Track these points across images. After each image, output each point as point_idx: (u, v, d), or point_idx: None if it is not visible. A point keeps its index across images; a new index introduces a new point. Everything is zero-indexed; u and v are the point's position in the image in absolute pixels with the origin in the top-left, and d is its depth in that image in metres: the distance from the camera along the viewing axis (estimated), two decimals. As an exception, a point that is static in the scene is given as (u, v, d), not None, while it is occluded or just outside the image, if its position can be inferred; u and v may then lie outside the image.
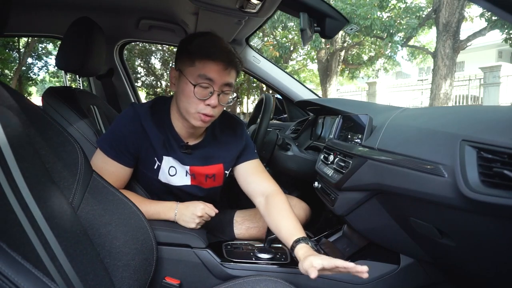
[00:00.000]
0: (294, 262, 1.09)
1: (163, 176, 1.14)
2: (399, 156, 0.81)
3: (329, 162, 1.18)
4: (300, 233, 0.95)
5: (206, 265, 1.05)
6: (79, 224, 0.83)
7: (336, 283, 1.06)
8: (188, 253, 1.05)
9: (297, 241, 0.91)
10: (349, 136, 1.17)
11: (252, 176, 1.17)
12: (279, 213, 1.04)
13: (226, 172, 1.21)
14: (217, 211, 1.14)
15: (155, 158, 1.11)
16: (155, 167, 1.12)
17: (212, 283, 1.03)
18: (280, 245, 1.17)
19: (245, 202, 1.27)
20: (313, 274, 0.75)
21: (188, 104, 1.02)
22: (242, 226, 1.30)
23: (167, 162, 1.13)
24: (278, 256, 1.11)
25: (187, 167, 1.14)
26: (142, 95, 9.91)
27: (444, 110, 0.93)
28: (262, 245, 1.15)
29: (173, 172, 1.14)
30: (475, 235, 0.69)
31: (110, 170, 1.06)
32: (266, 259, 1.09)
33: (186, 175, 1.15)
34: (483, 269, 0.79)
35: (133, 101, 2.32)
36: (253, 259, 1.09)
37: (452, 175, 0.65)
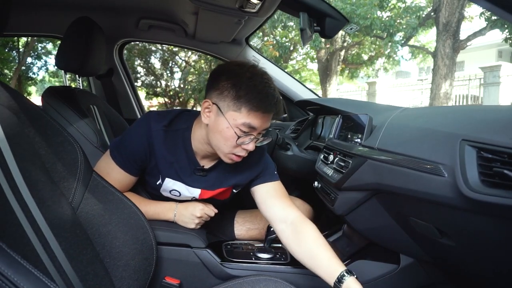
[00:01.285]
0: (294, 262, 1.09)
1: (165, 193, 1.13)
2: (399, 156, 0.81)
3: (329, 162, 1.18)
4: (341, 265, 0.88)
5: (206, 265, 1.05)
6: (79, 224, 0.83)
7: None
8: (188, 253, 1.06)
9: (343, 276, 0.84)
10: (349, 136, 1.17)
11: (272, 200, 1.08)
12: (313, 242, 0.95)
13: (234, 191, 1.19)
14: (216, 211, 1.14)
15: (159, 177, 1.10)
16: (157, 183, 1.11)
17: (212, 283, 1.03)
18: (280, 245, 1.17)
19: (247, 202, 1.27)
20: None
21: (224, 145, 0.97)
22: (243, 227, 1.30)
23: (171, 184, 1.10)
24: (278, 256, 1.11)
25: (198, 191, 1.11)
26: (142, 95, 9.90)
27: (444, 110, 0.93)
28: (262, 245, 1.15)
29: (176, 194, 1.12)
30: (474, 235, 0.69)
31: (116, 176, 1.05)
32: (266, 259, 1.09)
33: (192, 197, 1.13)
34: (483, 268, 0.79)
35: (132, 101, 2.32)
36: (253, 259, 1.09)
37: (452, 175, 0.65)
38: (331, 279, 0.85)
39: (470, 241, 0.72)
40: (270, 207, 1.07)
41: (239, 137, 0.95)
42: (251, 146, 0.97)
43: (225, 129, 0.95)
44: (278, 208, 1.05)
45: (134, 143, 1.04)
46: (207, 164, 1.10)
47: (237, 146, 0.97)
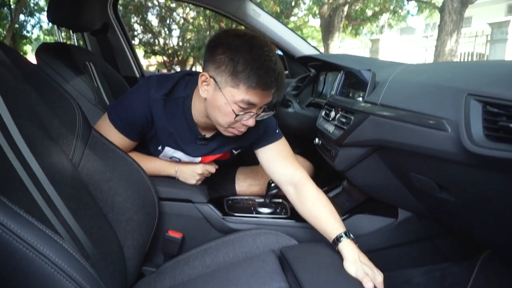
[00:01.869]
0: (294, 216, 1.11)
1: (165, 158, 1.12)
2: (402, 111, 0.80)
3: (330, 119, 1.17)
4: (341, 226, 0.90)
5: (208, 219, 1.08)
6: (81, 180, 0.83)
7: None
8: (189, 208, 1.07)
9: (340, 236, 0.87)
10: (351, 93, 1.15)
11: (276, 163, 1.07)
12: (314, 203, 0.97)
13: (234, 152, 1.18)
14: (217, 167, 1.14)
15: (159, 145, 1.08)
16: (157, 149, 1.09)
17: (214, 236, 1.05)
18: (281, 200, 1.19)
19: (247, 159, 1.28)
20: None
21: (222, 120, 0.93)
22: (244, 183, 1.31)
23: (171, 152, 1.09)
24: (278, 210, 1.13)
25: (198, 158, 1.10)
26: (140, 54, 9.67)
27: (450, 65, 0.91)
28: (262, 200, 1.17)
29: (176, 159, 1.11)
30: (475, 190, 0.70)
31: (115, 140, 1.02)
32: (266, 213, 1.12)
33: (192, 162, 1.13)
34: (481, 223, 0.81)
35: (130, 58, 2.26)
36: (254, 213, 1.12)
37: (455, 130, 0.64)
38: (330, 239, 0.89)
39: (470, 195, 0.73)
40: (275, 171, 1.07)
41: (237, 114, 0.90)
42: (250, 122, 0.93)
43: (223, 105, 0.90)
44: (283, 171, 1.05)
45: (134, 112, 1.01)
46: (208, 133, 1.08)
47: (237, 122, 0.93)
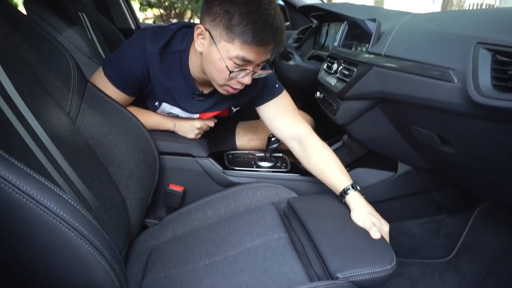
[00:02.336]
0: (294, 169, 1.12)
1: (162, 113, 1.10)
2: (407, 62, 0.77)
3: (332, 71, 1.14)
4: (348, 179, 0.90)
5: (209, 173, 1.09)
6: (79, 134, 0.82)
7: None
8: (190, 162, 1.08)
9: (348, 189, 0.87)
10: (354, 45, 1.11)
11: (278, 120, 1.05)
12: (320, 158, 0.96)
13: (233, 109, 1.15)
14: (215, 120, 1.13)
15: (156, 100, 1.05)
16: (155, 104, 1.06)
17: (214, 190, 1.07)
18: (281, 154, 1.20)
19: (247, 113, 1.26)
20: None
21: (217, 77, 0.90)
22: (244, 138, 1.30)
23: (168, 108, 1.06)
24: (278, 164, 1.14)
25: (196, 115, 1.08)
26: (136, 6, 9.29)
27: (458, 13, 0.86)
28: (263, 154, 1.17)
29: (174, 115, 1.09)
30: (478, 142, 0.69)
31: (111, 95, 0.98)
32: (267, 167, 1.12)
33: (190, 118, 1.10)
34: (481, 176, 0.81)
35: (124, 8, 2.16)
36: (254, 167, 1.12)
37: (462, 80, 0.62)
38: (337, 192, 0.90)
39: (472, 148, 0.72)
40: (278, 127, 1.05)
41: (231, 71, 0.86)
42: (246, 80, 0.89)
43: (217, 61, 0.86)
44: (286, 126, 1.03)
45: (130, 66, 0.97)
46: (206, 89, 1.05)
47: (232, 79, 0.89)
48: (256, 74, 0.91)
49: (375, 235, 0.76)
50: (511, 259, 1.09)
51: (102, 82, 1.00)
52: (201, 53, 0.90)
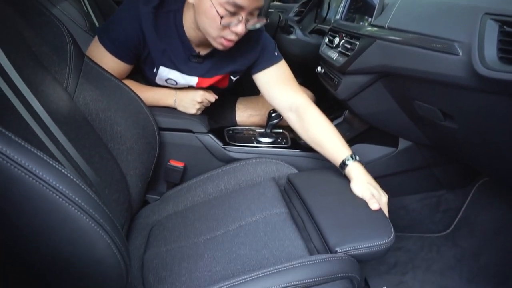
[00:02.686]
0: (294, 145, 1.12)
1: (160, 81, 1.07)
2: (411, 35, 0.75)
3: (334, 45, 1.11)
4: (347, 149, 0.89)
5: (209, 148, 1.08)
6: (78, 110, 0.81)
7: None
8: (190, 138, 1.07)
9: (347, 159, 0.86)
10: (356, 18, 1.09)
11: (275, 88, 1.03)
12: (318, 129, 0.95)
13: (232, 78, 1.13)
14: (216, 96, 1.12)
15: (154, 66, 1.03)
16: (154, 71, 1.04)
17: (215, 165, 1.07)
18: (281, 130, 1.19)
19: (248, 89, 1.25)
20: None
21: (210, 28, 0.87)
22: (244, 113, 1.29)
23: (166, 72, 1.03)
24: (279, 140, 1.14)
25: (195, 79, 1.05)
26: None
27: (466, -17, 0.83)
28: (263, 130, 1.17)
29: (173, 83, 1.07)
30: (480, 117, 0.68)
31: (109, 64, 0.97)
32: (267, 143, 1.12)
33: (189, 85, 1.08)
34: (482, 151, 0.81)
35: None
36: (255, 143, 1.12)
37: (467, 53, 0.61)
38: (336, 164, 0.89)
39: (474, 123, 0.72)
40: (275, 97, 1.03)
41: (222, 17, 0.84)
42: (240, 28, 0.87)
43: (208, 8, 0.84)
44: (283, 97, 1.01)
45: (125, 29, 0.95)
46: (202, 51, 1.02)
47: (225, 28, 0.87)
48: (250, 24, 0.89)
49: (374, 206, 0.77)
50: (508, 233, 1.11)
51: (98, 51, 0.98)
52: (193, 5, 0.89)
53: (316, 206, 0.79)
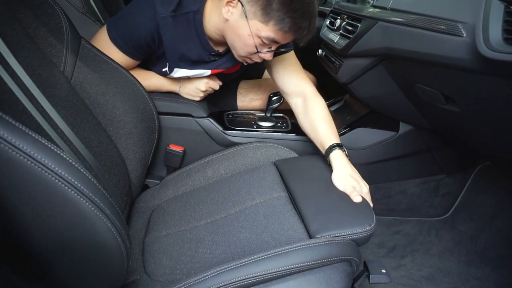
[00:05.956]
0: (294, 130, 1.11)
1: (171, 77, 1.06)
2: (414, 16, 0.74)
3: (335, 28, 1.10)
4: (336, 138, 0.90)
5: (208, 132, 1.08)
6: (75, 93, 0.80)
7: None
8: (189, 122, 1.07)
9: (332, 147, 0.87)
10: (358, 0, 1.07)
11: (287, 72, 1.04)
12: (316, 116, 0.96)
13: (245, 63, 1.10)
14: (221, 83, 1.11)
15: (166, 65, 1.01)
16: (163, 70, 1.03)
17: (215, 149, 1.06)
18: (281, 114, 1.18)
19: (250, 72, 1.23)
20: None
21: (240, 48, 0.90)
22: (246, 97, 1.28)
23: (179, 72, 1.02)
24: (279, 124, 1.13)
25: (208, 71, 1.04)
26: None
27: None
28: (263, 114, 1.16)
29: (185, 77, 1.06)
30: (483, 100, 0.68)
31: (115, 58, 0.94)
32: (267, 127, 1.11)
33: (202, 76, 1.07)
34: (483, 134, 0.80)
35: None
36: (255, 127, 1.11)
37: (471, 34, 0.59)
38: (323, 150, 0.90)
39: (476, 106, 0.71)
40: (286, 82, 1.03)
41: (258, 50, 0.87)
42: (268, 56, 0.90)
43: (245, 36, 0.86)
44: (295, 81, 1.02)
45: (139, 31, 0.93)
46: (221, 48, 1.02)
47: (254, 54, 0.90)
48: (278, 52, 0.93)
49: (357, 199, 0.77)
50: (506, 217, 1.11)
51: (106, 45, 0.96)
52: (227, 19, 0.88)
53: (299, 193, 0.79)
